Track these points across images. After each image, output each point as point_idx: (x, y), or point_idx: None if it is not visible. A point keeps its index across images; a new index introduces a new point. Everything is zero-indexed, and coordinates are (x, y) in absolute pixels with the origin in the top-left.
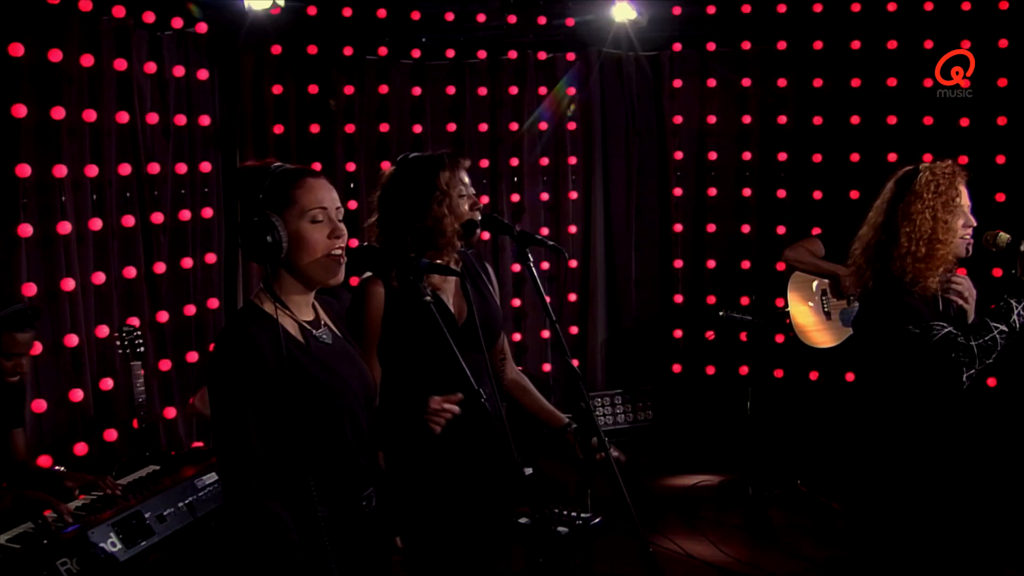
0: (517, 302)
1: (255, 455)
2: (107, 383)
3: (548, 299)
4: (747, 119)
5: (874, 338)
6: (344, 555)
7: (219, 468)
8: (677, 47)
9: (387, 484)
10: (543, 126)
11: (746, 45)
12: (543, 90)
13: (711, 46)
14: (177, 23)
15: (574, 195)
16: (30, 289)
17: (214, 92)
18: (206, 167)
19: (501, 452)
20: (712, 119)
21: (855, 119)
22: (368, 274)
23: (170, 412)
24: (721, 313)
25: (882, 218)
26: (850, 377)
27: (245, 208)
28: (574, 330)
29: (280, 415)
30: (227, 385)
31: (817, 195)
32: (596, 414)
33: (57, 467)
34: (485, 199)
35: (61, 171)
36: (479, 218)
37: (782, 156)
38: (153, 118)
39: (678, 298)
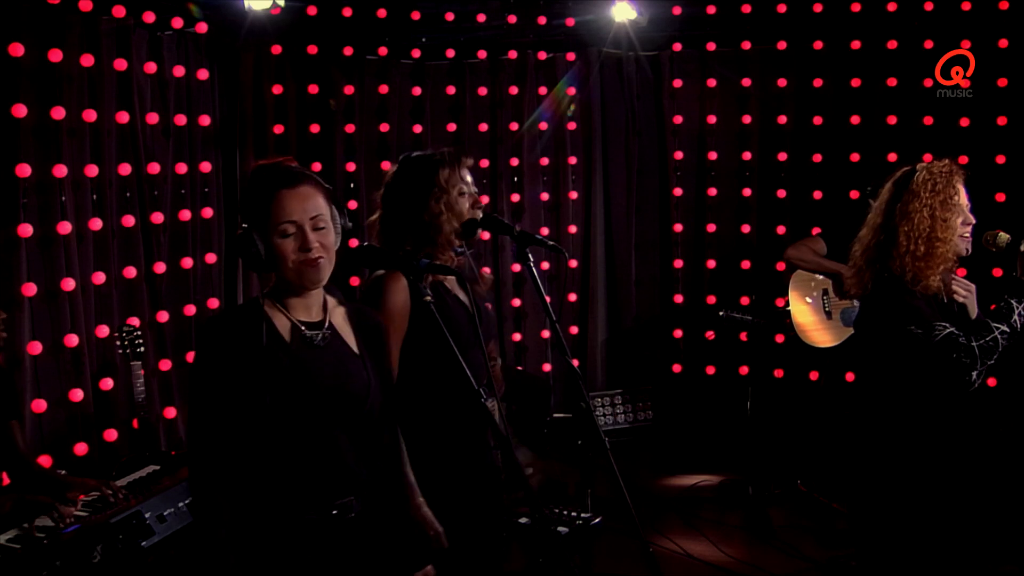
0: (517, 302)
1: (211, 444)
2: (107, 383)
3: (548, 299)
4: (747, 119)
5: (876, 338)
6: (311, 560)
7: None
8: (677, 47)
9: (380, 495)
10: (543, 126)
11: (746, 45)
12: (543, 90)
13: (711, 46)
14: (177, 23)
15: (574, 195)
16: (30, 289)
17: (214, 92)
18: (206, 167)
19: (501, 452)
20: (712, 119)
21: (855, 119)
22: (381, 272)
23: (170, 412)
24: (721, 313)
25: (881, 219)
26: (850, 377)
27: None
28: (574, 330)
29: (243, 409)
30: (196, 370)
31: (817, 195)
32: (596, 414)
33: (60, 471)
34: (485, 199)
35: (61, 171)
36: (480, 217)
37: (782, 156)
38: (153, 118)
39: (678, 298)
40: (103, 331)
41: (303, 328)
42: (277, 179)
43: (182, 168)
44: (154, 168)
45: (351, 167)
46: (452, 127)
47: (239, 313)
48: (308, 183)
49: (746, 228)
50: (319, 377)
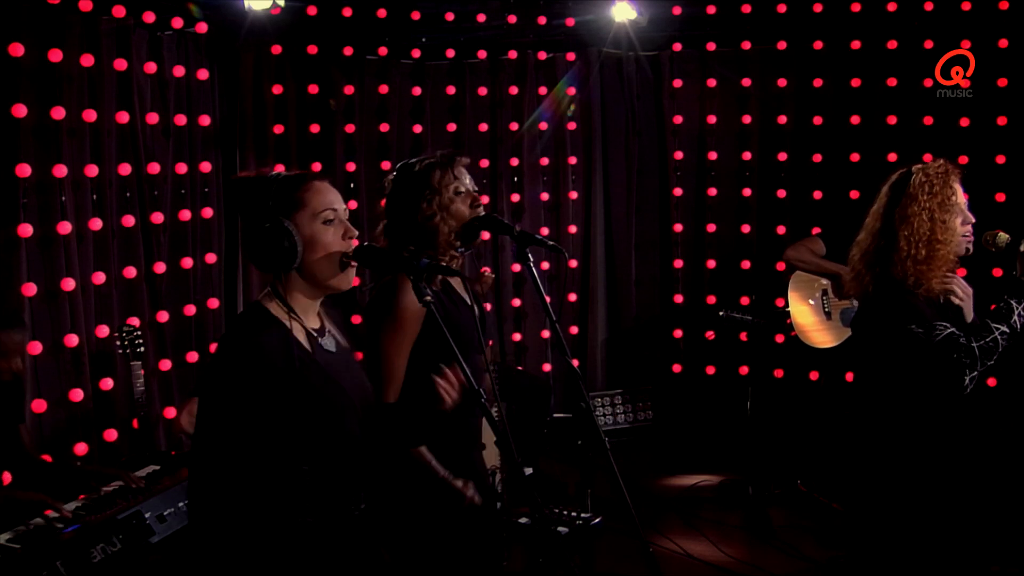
0: (517, 302)
1: (232, 463)
2: (107, 383)
3: (548, 299)
4: (747, 119)
5: (875, 338)
6: (332, 560)
7: (192, 465)
8: (677, 47)
9: (378, 489)
10: (543, 126)
11: (746, 45)
12: (543, 90)
13: (711, 46)
14: (177, 23)
15: (574, 195)
16: (30, 289)
17: (214, 92)
18: (206, 167)
19: (501, 452)
20: (712, 119)
21: (855, 119)
22: (387, 278)
23: (170, 412)
24: (721, 313)
25: (879, 223)
26: (850, 377)
27: (250, 217)
28: (574, 330)
29: (276, 422)
30: (226, 389)
31: (817, 195)
32: (596, 414)
33: (76, 462)
34: (485, 199)
35: (61, 171)
36: (480, 216)
37: (782, 156)
38: (153, 118)
39: (678, 298)
40: (103, 331)
41: (315, 336)
42: (302, 173)
43: (182, 168)
44: (154, 168)
45: (351, 167)
46: (452, 127)
47: (257, 330)
48: (329, 180)
49: (746, 228)
50: (343, 383)
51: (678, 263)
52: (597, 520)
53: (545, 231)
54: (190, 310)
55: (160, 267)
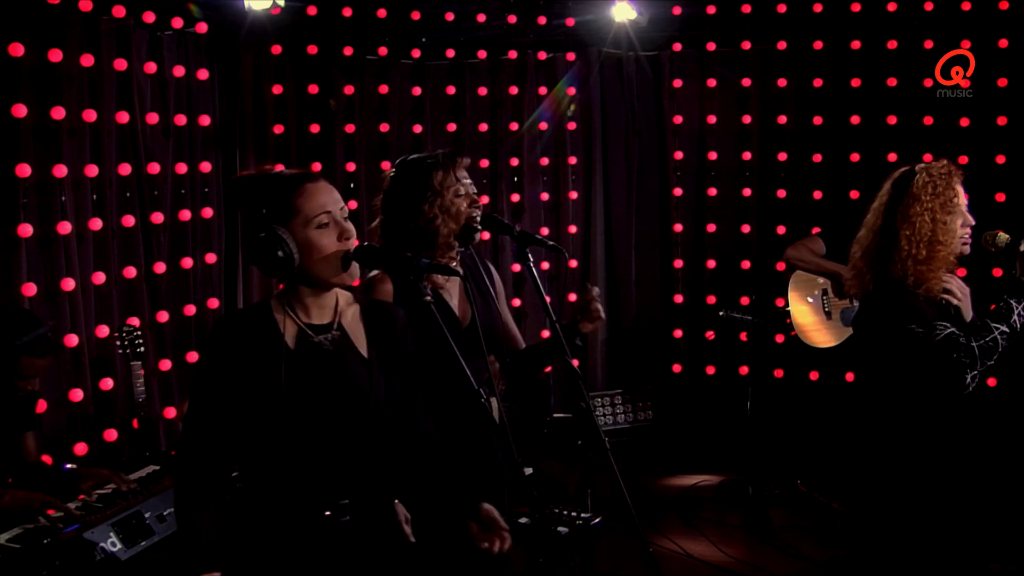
0: (517, 302)
1: (201, 441)
2: (107, 383)
3: (548, 299)
4: (747, 119)
5: (876, 337)
6: (301, 561)
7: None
8: (677, 47)
9: (376, 498)
10: (543, 126)
11: (746, 45)
12: (543, 90)
13: (711, 46)
14: (177, 23)
15: (574, 195)
16: (30, 289)
17: (214, 92)
18: (206, 167)
19: (501, 452)
20: (712, 119)
21: (855, 119)
22: (375, 272)
23: (170, 412)
24: (721, 313)
25: (880, 221)
26: (850, 377)
27: (248, 221)
28: None
29: (241, 412)
30: (199, 368)
31: (817, 195)
32: (596, 414)
33: (69, 465)
34: (485, 199)
35: (61, 171)
36: (478, 217)
37: (782, 156)
38: (153, 118)
39: (678, 298)
40: (103, 331)
41: (310, 333)
42: (295, 176)
43: (182, 168)
44: (154, 168)
45: (351, 167)
46: (452, 127)
47: (247, 316)
48: (324, 179)
49: (746, 228)
50: (319, 385)
51: (678, 263)
52: (597, 520)
53: (545, 231)
54: (190, 310)
55: (160, 267)
